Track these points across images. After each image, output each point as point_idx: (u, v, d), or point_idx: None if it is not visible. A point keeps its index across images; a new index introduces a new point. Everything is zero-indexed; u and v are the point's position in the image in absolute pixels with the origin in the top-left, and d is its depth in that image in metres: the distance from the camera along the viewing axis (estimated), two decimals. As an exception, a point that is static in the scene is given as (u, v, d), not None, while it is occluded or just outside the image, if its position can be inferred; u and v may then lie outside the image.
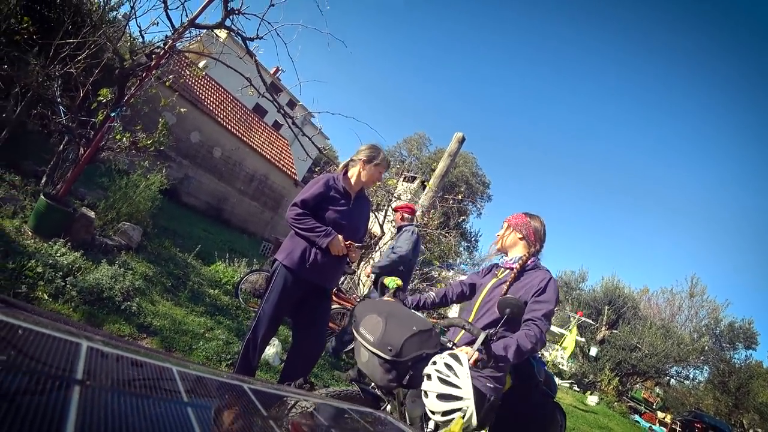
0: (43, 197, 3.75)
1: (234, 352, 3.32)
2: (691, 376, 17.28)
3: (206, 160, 13.14)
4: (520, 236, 2.25)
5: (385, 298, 2.28)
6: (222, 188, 13.66)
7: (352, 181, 2.75)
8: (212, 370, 0.80)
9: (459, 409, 1.50)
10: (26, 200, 4.18)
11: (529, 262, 2.18)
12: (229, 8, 4.70)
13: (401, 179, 16.15)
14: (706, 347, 16.66)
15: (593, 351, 16.23)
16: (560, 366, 17.89)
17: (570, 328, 14.49)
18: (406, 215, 4.73)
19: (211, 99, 14.09)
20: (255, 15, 4.79)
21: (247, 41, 4.94)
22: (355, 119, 5.63)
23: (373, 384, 1.96)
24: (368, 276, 3.94)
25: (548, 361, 16.55)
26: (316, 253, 2.59)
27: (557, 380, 10.58)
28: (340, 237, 2.58)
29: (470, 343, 1.89)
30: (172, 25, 4.51)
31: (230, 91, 15.41)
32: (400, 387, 1.79)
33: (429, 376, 1.59)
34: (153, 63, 4.25)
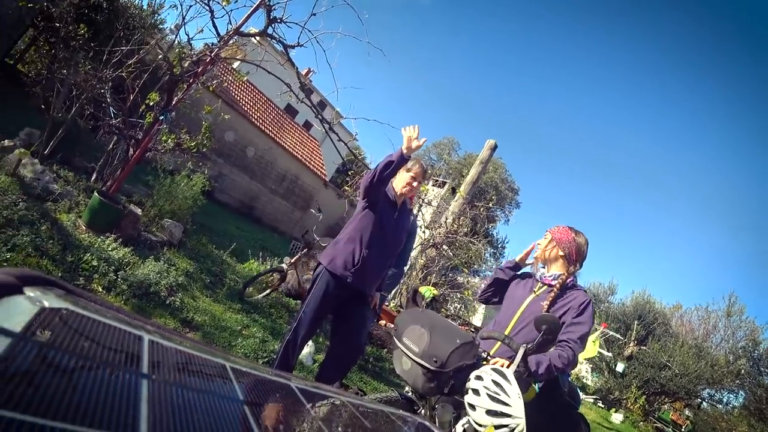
0: (96, 194, 4.00)
1: (270, 351, 3.47)
2: (724, 400, 16.53)
3: (240, 159, 13.55)
4: (563, 253, 2.24)
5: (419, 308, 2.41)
6: (254, 187, 14.04)
7: (396, 188, 2.82)
8: (259, 366, 0.81)
9: (507, 426, 1.59)
10: (80, 196, 4.46)
11: (568, 281, 2.19)
12: (272, 17, 4.89)
13: (430, 184, 16.17)
14: (743, 371, 15.89)
15: (620, 367, 15.74)
16: (584, 380, 17.45)
17: (593, 340, 14.13)
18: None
19: (246, 99, 14.51)
20: (297, 23, 4.95)
21: (288, 48, 5.12)
22: (390, 125, 5.77)
23: (407, 389, 2.12)
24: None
25: (572, 375, 16.18)
26: (358, 259, 2.69)
27: (581, 395, 10.36)
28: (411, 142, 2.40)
29: (504, 355, 2.06)
30: (218, 33, 4.73)
31: (263, 92, 15.82)
32: (439, 395, 1.89)
33: (477, 392, 1.69)
34: (200, 69, 4.47)
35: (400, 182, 2.80)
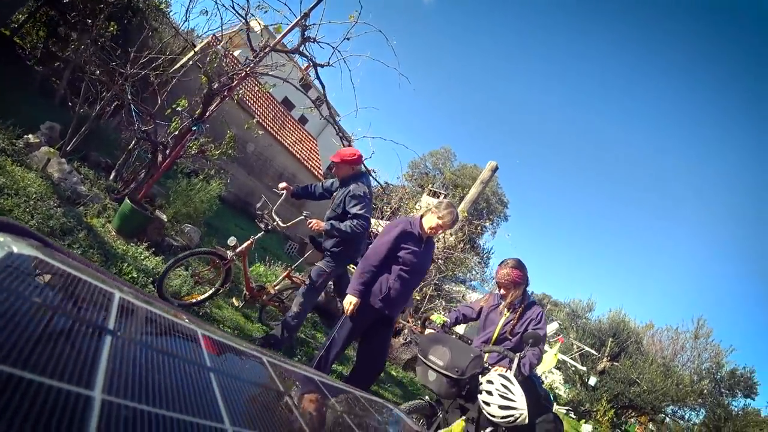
0: (128, 201, 4.10)
1: (299, 362, 3.66)
2: (686, 416, 17.37)
3: (239, 153, 13.52)
4: (520, 289, 3.07)
5: (430, 330, 3.12)
6: (251, 183, 14.05)
7: (424, 226, 3.12)
8: (235, 338, 0.80)
9: (514, 415, 2.31)
10: (106, 199, 4.53)
11: (525, 301, 3.08)
12: (306, 36, 5.03)
13: (426, 193, 16.46)
14: (705, 390, 16.76)
15: (592, 380, 16.42)
16: (557, 391, 18.08)
17: (554, 353, 14.67)
18: (355, 166, 3.75)
19: (249, 94, 14.46)
20: (329, 45, 5.11)
21: (318, 67, 5.27)
22: (394, 142, 5.98)
23: (427, 397, 2.77)
24: (319, 231, 3.56)
25: (546, 385, 16.75)
26: (388, 288, 3.03)
27: (554, 405, 10.83)
28: (353, 303, 2.99)
29: (500, 361, 2.86)
30: (252, 49, 4.85)
31: (261, 84, 15.72)
32: (459, 397, 2.60)
33: (490, 392, 2.39)
34: (234, 84, 4.59)
35: (428, 222, 3.12)
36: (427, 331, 3.13)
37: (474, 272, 18.08)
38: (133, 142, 5.51)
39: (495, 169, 8.95)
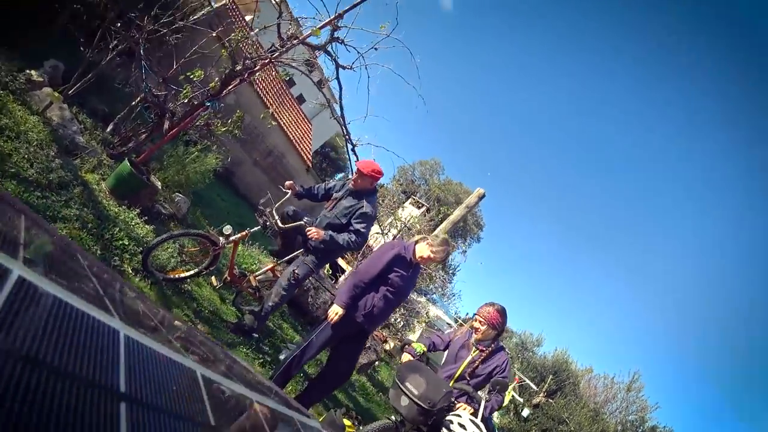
0: (128, 163, 4.03)
1: (265, 351, 3.78)
2: (604, 462, 18.28)
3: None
4: (495, 331, 3.27)
5: (407, 358, 3.23)
6: (239, 154, 13.83)
7: (417, 253, 3.29)
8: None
9: None
10: (103, 154, 4.44)
11: (494, 345, 3.27)
12: (335, 35, 5.06)
13: (409, 202, 16.66)
14: (626, 440, 17.71)
15: (525, 412, 17.03)
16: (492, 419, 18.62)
17: (508, 392, 15.29)
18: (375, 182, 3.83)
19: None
20: (355, 48, 5.15)
21: (340, 68, 5.31)
22: (396, 154, 6.09)
23: (393, 417, 2.94)
24: (318, 240, 3.57)
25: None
26: (372, 305, 3.19)
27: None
28: (338, 313, 3.10)
29: (463, 398, 3.05)
30: (281, 39, 4.84)
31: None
32: (424, 425, 2.77)
33: (464, 427, 2.66)
34: (257, 68, 4.58)
35: (420, 252, 3.29)
36: (405, 355, 3.26)
37: (436, 286, 18.47)
38: (138, 98, 5.38)
39: (482, 197, 9.20)
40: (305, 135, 16.71)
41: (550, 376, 17.73)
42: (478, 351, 3.25)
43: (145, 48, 5.33)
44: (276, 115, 14.29)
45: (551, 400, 17.27)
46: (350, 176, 4.20)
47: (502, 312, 3.31)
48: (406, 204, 16.03)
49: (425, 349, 3.37)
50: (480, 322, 3.25)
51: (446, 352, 3.50)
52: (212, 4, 11.22)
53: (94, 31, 5.09)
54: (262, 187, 15.09)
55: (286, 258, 4.65)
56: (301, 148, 15.77)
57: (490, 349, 3.23)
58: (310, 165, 16.34)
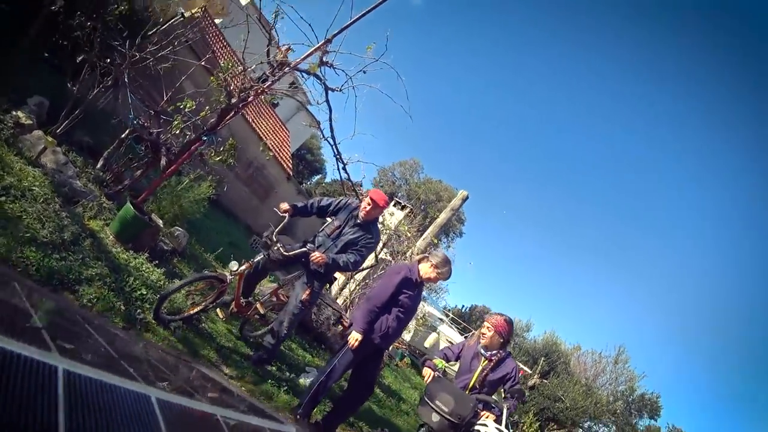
0: (130, 206, 4.01)
1: (286, 378, 3.92)
2: (599, 431, 19.15)
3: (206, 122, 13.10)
4: (501, 339, 3.47)
5: (431, 374, 3.37)
6: (221, 170, 13.63)
7: (421, 274, 3.57)
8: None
9: None
10: (102, 197, 4.39)
11: (501, 353, 3.48)
12: (324, 59, 5.10)
13: (392, 205, 16.76)
14: (618, 411, 18.56)
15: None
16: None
17: None
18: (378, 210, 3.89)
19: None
20: (344, 71, 5.20)
21: (329, 91, 5.35)
22: (379, 165, 6.20)
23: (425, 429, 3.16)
24: (320, 264, 3.64)
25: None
26: (387, 327, 3.45)
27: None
28: (358, 339, 3.32)
29: (486, 408, 3.22)
30: (271, 66, 4.85)
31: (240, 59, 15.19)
32: None
33: None
34: (251, 98, 4.60)
35: (425, 272, 3.55)
36: (426, 370, 3.42)
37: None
38: (127, 131, 5.27)
39: (465, 199, 9.47)
40: (284, 142, 16.59)
41: (542, 358, 18.39)
42: (487, 360, 3.46)
43: (131, 77, 5.26)
44: (254, 125, 14.15)
45: (545, 381, 17.91)
46: (346, 199, 4.16)
47: (509, 322, 3.56)
48: (390, 206, 16.09)
49: (445, 365, 3.59)
50: (488, 328, 3.48)
51: (459, 363, 3.73)
52: (183, 15, 11.01)
53: (78, 64, 5.00)
54: (246, 201, 14.96)
55: (287, 278, 4.68)
56: (281, 157, 15.67)
57: (498, 356, 3.45)
58: (291, 173, 16.26)
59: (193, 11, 11.80)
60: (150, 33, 5.66)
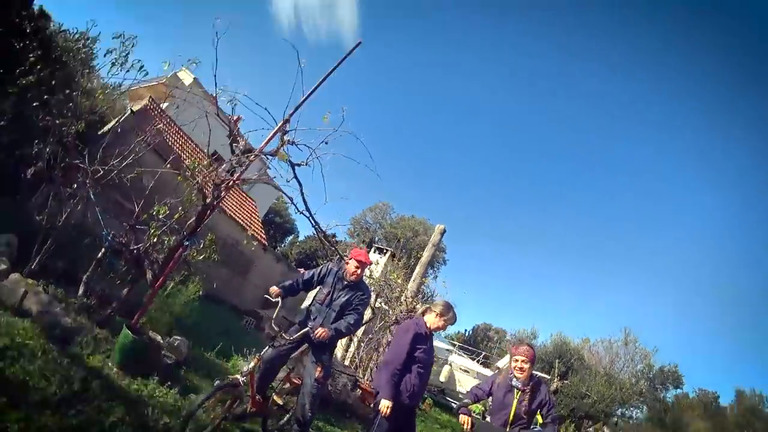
0: (128, 332, 3.89)
1: None
2: (633, 415, 19.05)
3: (181, 224, 12.89)
4: (533, 367, 3.58)
5: (468, 420, 3.43)
6: (203, 264, 13.36)
7: (429, 325, 3.74)
8: None
9: None
10: (94, 328, 4.25)
11: (533, 379, 3.55)
12: (286, 139, 5.24)
13: (372, 250, 16.86)
14: (643, 389, 18.58)
15: (549, 400, 17.41)
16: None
17: None
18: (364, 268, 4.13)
19: (178, 147, 13.84)
20: (307, 146, 5.33)
21: (295, 167, 5.48)
22: (349, 224, 6.31)
23: None
24: (326, 338, 3.70)
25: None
26: (412, 385, 3.54)
27: None
28: (389, 406, 3.37)
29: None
30: (233, 152, 4.93)
31: (191, 137, 14.95)
32: None
33: None
34: (224, 194, 4.66)
35: (433, 323, 3.75)
36: (462, 416, 3.43)
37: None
38: (102, 251, 5.11)
39: (443, 232, 9.78)
40: (253, 214, 16.52)
41: (557, 361, 18.33)
42: (520, 392, 3.50)
43: (97, 192, 5.18)
44: (222, 203, 14.04)
45: (566, 381, 17.80)
46: (326, 264, 4.25)
47: (532, 347, 3.69)
48: (371, 253, 16.15)
49: (481, 408, 3.67)
50: (523, 361, 3.53)
51: (491, 399, 3.73)
52: (131, 109, 11.01)
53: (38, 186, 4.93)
54: (227, 281, 14.62)
55: (293, 355, 4.54)
56: (254, 230, 15.54)
57: (531, 386, 3.50)
58: (266, 244, 16.11)
59: (141, 103, 11.91)
60: (105, 138, 5.64)
